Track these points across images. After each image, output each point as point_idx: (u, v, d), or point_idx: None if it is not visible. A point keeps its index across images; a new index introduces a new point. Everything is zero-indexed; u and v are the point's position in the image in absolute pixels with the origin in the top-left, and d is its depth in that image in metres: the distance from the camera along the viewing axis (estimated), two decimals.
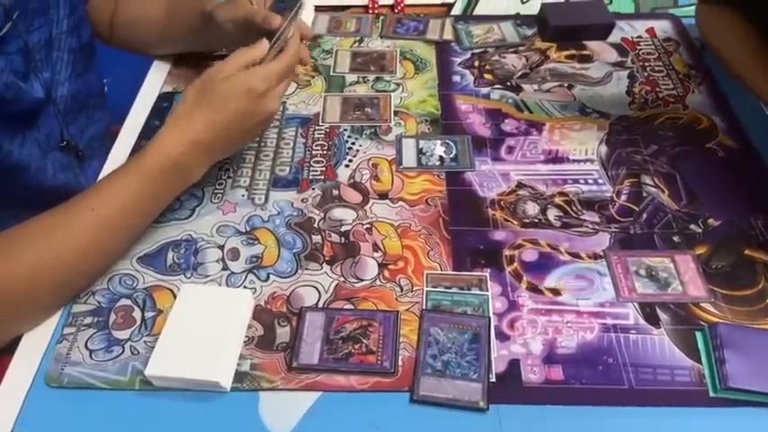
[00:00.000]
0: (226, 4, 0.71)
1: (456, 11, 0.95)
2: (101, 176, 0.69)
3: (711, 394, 0.51)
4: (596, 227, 0.64)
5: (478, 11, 0.95)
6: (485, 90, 0.81)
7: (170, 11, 0.80)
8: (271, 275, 0.60)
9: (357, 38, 0.89)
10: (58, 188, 0.72)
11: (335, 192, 0.68)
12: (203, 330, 0.53)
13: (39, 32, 0.67)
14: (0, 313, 0.53)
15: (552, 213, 0.66)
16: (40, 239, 0.54)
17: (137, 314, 0.57)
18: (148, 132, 0.74)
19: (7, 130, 0.65)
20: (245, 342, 0.55)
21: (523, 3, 0.97)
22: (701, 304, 0.57)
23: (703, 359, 0.54)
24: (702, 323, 0.56)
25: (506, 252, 0.62)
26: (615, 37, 0.88)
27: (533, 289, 0.59)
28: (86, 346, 0.55)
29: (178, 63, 0.85)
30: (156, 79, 0.83)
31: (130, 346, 0.55)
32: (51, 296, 0.56)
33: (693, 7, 0.88)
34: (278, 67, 0.61)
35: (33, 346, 0.55)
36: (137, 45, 0.85)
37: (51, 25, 0.69)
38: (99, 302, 0.58)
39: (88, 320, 0.56)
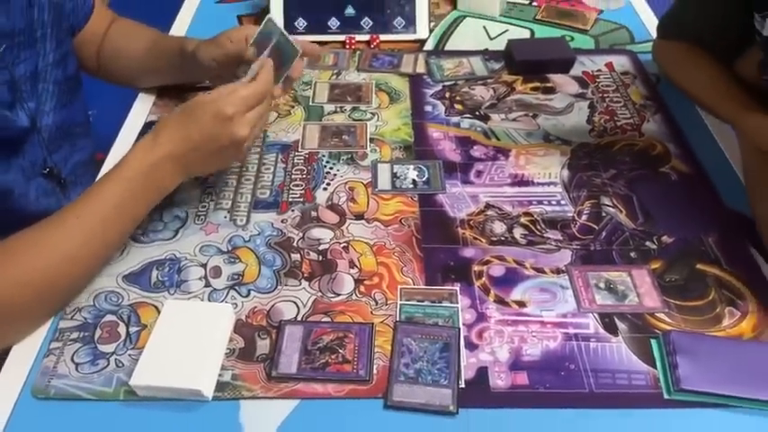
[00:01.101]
0: (207, 44, 0.76)
1: (428, 47, 1.01)
2: None
3: (666, 396, 0.55)
4: (559, 244, 0.69)
5: (449, 47, 1.01)
6: (455, 119, 0.86)
7: (152, 47, 0.84)
8: (251, 291, 0.63)
9: (335, 71, 0.94)
10: (40, 213, 0.74)
11: (314, 213, 0.71)
12: (186, 343, 0.55)
13: (25, 65, 0.70)
14: None
15: (518, 232, 0.70)
16: (28, 251, 0.56)
17: (121, 329, 0.59)
18: None
19: None
20: (226, 354, 0.57)
21: (491, 39, 1.03)
22: (656, 314, 0.61)
23: (658, 364, 0.57)
24: (657, 331, 0.60)
25: (475, 267, 0.66)
26: (576, 71, 0.95)
27: (500, 301, 0.63)
28: (72, 360, 0.57)
29: (162, 94, 0.89)
30: (141, 109, 0.87)
31: (115, 359, 0.57)
32: (39, 306, 0.58)
33: (649, 44, 0.95)
34: (246, 93, 0.64)
35: (20, 360, 0.57)
36: (122, 78, 0.89)
37: (38, 58, 0.72)
38: (85, 318, 0.60)
39: (74, 335, 0.59)
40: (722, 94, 0.77)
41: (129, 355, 0.57)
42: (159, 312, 0.60)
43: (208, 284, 0.63)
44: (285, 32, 0.71)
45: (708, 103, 0.80)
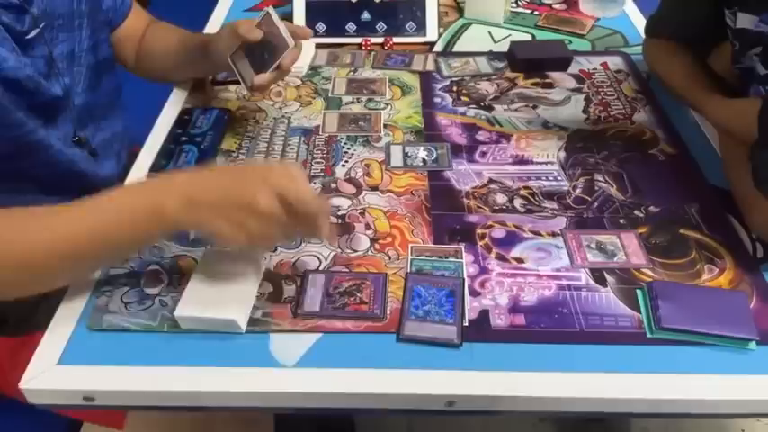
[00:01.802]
0: (219, 37, 0.84)
1: (436, 49, 1.10)
2: (130, 177, 0.80)
3: (648, 335, 0.62)
4: (555, 212, 0.76)
5: (456, 50, 1.10)
6: (461, 109, 0.94)
7: (180, 44, 0.93)
8: (278, 248, 0.70)
9: (352, 68, 1.03)
10: (77, 173, 0.82)
11: (333, 185, 0.79)
12: (223, 283, 0.63)
13: (62, 45, 0.79)
14: None
15: (518, 202, 0.77)
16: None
17: (164, 276, 0.67)
18: (172, 138, 0.86)
19: (33, 119, 0.74)
20: (257, 297, 0.64)
21: (495, 43, 1.12)
22: (642, 269, 0.68)
23: (642, 310, 0.64)
24: (642, 283, 0.67)
25: (478, 231, 0.73)
26: (573, 69, 1.03)
27: (501, 258, 0.70)
28: (122, 300, 0.64)
29: (195, 89, 0.98)
30: (177, 99, 0.96)
31: (159, 299, 0.64)
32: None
33: (641, 47, 1.04)
34: (296, 189, 0.57)
35: (75, 300, 0.64)
36: (157, 72, 0.97)
37: (74, 43, 0.81)
38: (132, 267, 0.68)
39: (123, 280, 0.66)
40: (693, 84, 0.85)
41: (172, 296, 0.64)
42: (197, 262, 0.67)
43: None
44: (281, 25, 0.78)
45: (682, 94, 0.88)
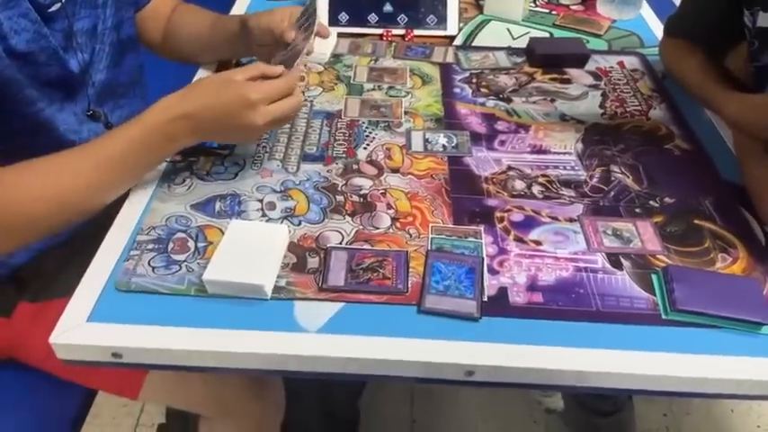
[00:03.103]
0: (258, 15, 0.87)
1: (456, 43, 1.12)
2: None
3: (663, 316, 0.63)
4: (572, 199, 0.77)
5: (475, 44, 1.12)
6: (481, 99, 0.96)
7: (213, 24, 0.95)
8: (302, 222, 0.72)
9: (373, 57, 1.05)
10: None
11: (355, 166, 0.81)
12: (249, 251, 0.65)
13: (83, 21, 0.79)
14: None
15: (536, 189, 0.79)
16: (50, 169, 0.66)
17: (191, 244, 0.68)
18: None
19: (45, 95, 0.75)
20: (281, 267, 0.66)
21: (514, 39, 1.14)
22: (657, 255, 0.70)
23: (657, 293, 0.65)
24: (657, 268, 0.68)
25: (498, 214, 0.75)
26: (590, 66, 1.05)
27: (519, 240, 0.71)
28: (149, 264, 0.66)
29: (220, 69, 1.00)
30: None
31: (186, 265, 0.66)
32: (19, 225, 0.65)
33: (657, 48, 1.05)
34: (274, 86, 0.71)
35: (103, 263, 0.66)
36: (184, 53, 0.99)
37: (98, 20, 0.82)
38: (159, 234, 0.69)
39: (150, 246, 0.68)
40: (708, 80, 0.87)
41: (198, 263, 0.66)
42: (223, 233, 0.69)
43: (264, 215, 0.73)
44: (315, 24, 0.81)
45: (697, 91, 0.90)
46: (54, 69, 0.75)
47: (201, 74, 0.99)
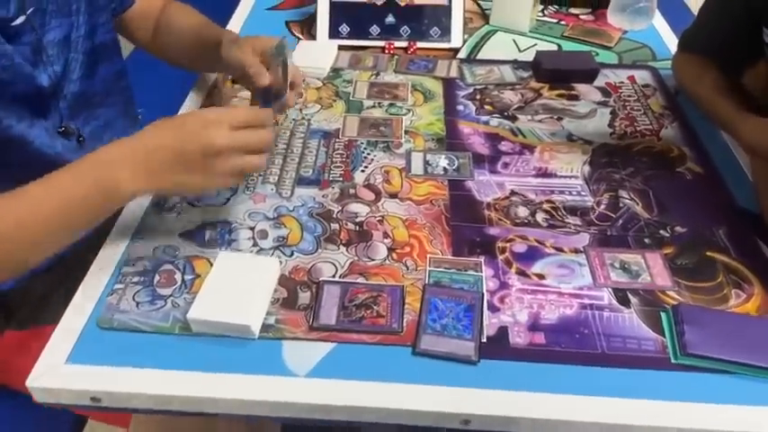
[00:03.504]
0: (232, 43, 0.80)
1: (461, 56, 1.08)
2: None
3: (672, 360, 0.59)
4: (578, 228, 0.74)
5: (480, 57, 1.08)
6: (485, 117, 0.92)
7: (199, 31, 0.90)
8: (295, 252, 0.69)
9: (374, 72, 1.02)
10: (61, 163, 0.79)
11: (352, 190, 0.78)
12: (237, 287, 0.62)
13: (55, 32, 0.75)
14: None
15: (540, 216, 0.75)
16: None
17: (178, 276, 0.66)
18: None
19: (13, 112, 0.70)
20: (271, 302, 0.63)
21: (520, 51, 1.10)
22: (667, 292, 0.66)
23: (666, 333, 0.62)
24: (667, 305, 0.65)
25: (499, 244, 0.71)
26: (600, 82, 1.01)
27: (522, 273, 0.68)
28: (134, 299, 0.63)
29: (211, 95, 0.97)
30: (193, 103, 0.94)
31: (172, 300, 0.63)
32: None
33: (669, 61, 1.01)
34: (239, 111, 0.67)
35: (87, 298, 0.63)
36: (171, 54, 0.94)
37: (71, 28, 0.77)
38: (145, 266, 0.67)
39: (136, 279, 0.65)
40: (723, 100, 0.83)
41: (185, 298, 0.63)
42: (212, 265, 0.66)
43: (255, 244, 0.70)
44: (289, 60, 0.75)
45: (710, 110, 0.86)
46: (21, 87, 0.70)
47: (191, 98, 0.96)
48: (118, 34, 0.89)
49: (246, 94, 0.96)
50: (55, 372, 0.56)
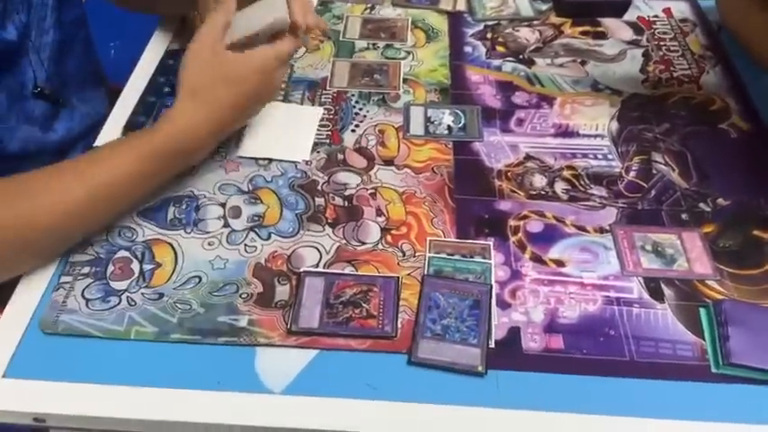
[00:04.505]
0: None
1: None
2: (101, 136, 0.68)
3: (713, 370, 0.51)
4: (603, 201, 0.63)
5: None
6: (496, 62, 0.79)
7: None
8: (272, 234, 0.59)
9: (369, 4, 0.88)
10: (18, 140, 0.69)
11: (340, 156, 0.67)
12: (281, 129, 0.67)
13: None
14: None
15: (559, 186, 0.65)
16: (38, 192, 0.53)
17: (135, 266, 0.56)
18: (153, 89, 0.73)
19: None
20: (243, 298, 0.54)
21: None
22: (707, 281, 0.57)
23: (706, 335, 0.53)
24: (707, 300, 0.55)
25: (511, 222, 0.61)
26: (631, 15, 0.87)
27: (537, 259, 0.58)
28: (83, 295, 0.54)
29: (184, 24, 0.84)
30: (162, 38, 0.82)
31: (127, 296, 0.54)
32: (44, 246, 0.55)
33: None
34: (289, 47, 0.61)
35: (29, 294, 0.54)
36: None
37: None
38: (97, 253, 0.57)
39: (86, 270, 0.56)
40: None
41: (143, 293, 0.54)
42: (174, 250, 0.57)
43: (226, 224, 0.60)
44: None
45: (761, 56, 0.73)
46: None
47: (164, 24, 0.83)
48: None
49: None
50: None
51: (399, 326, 0.53)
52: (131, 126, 0.68)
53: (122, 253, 0.57)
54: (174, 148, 0.57)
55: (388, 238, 0.59)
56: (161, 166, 0.57)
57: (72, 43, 0.75)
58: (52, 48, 0.71)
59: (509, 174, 0.66)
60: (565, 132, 0.70)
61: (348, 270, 0.56)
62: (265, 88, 0.61)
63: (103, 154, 0.58)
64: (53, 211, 0.53)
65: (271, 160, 0.66)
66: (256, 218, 0.61)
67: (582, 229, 0.61)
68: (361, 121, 0.71)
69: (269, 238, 0.59)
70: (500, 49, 0.81)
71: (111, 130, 0.69)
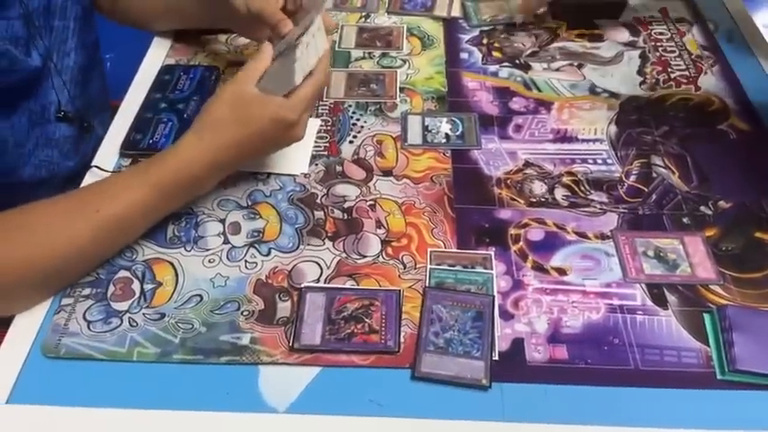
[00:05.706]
0: None
1: None
2: (99, 153, 0.68)
3: (719, 377, 0.50)
4: (604, 207, 0.63)
5: None
6: (493, 68, 0.79)
7: None
8: (272, 250, 0.59)
9: (363, 13, 0.88)
10: (32, 177, 0.70)
11: (339, 168, 0.67)
12: None
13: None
14: None
15: (559, 193, 0.65)
16: (39, 228, 0.53)
17: (135, 286, 0.56)
18: (149, 105, 0.73)
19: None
20: (245, 317, 0.54)
21: None
22: (710, 286, 0.56)
23: (711, 341, 0.52)
24: (711, 305, 0.55)
25: (512, 231, 0.61)
26: (627, 16, 0.87)
27: (539, 268, 0.58)
28: (84, 318, 0.54)
29: (180, 37, 0.84)
30: (158, 52, 0.82)
31: (129, 317, 0.54)
32: (43, 283, 0.54)
33: None
34: (309, 94, 0.59)
35: (30, 317, 0.54)
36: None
37: None
38: (98, 274, 0.57)
39: (86, 291, 0.56)
40: None
41: (144, 314, 0.54)
42: (174, 269, 0.57)
43: (226, 241, 0.60)
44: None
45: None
46: (13, 75, 0.62)
47: (159, 40, 0.83)
48: None
49: (215, 47, 0.83)
50: None
51: (402, 340, 0.52)
52: (128, 144, 0.68)
53: (123, 273, 0.57)
54: (175, 179, 0.56)
55: (389, 250, 0.59)
56: (167, 199, 0.57)
57: (92, 66, 0.76)
58: (74, 71, 0.72)
59: (508, 181, 0.65)
60: (563, 138, 0.70)
61: (349, 284, 0.56)
62: (281, 133, 0.58)
63: (109, 186, 0.57)
64: (53, 249, 0.52)
65: (269, 174, 0.66)
66: (256, 233, 0.60)
67: (583, 235, 0.61)
68: (359, 132, 0.71)
69: (269, 253, 0.59)
70: (496, 54, 0.81)
71: (109, 147, 0.69)
